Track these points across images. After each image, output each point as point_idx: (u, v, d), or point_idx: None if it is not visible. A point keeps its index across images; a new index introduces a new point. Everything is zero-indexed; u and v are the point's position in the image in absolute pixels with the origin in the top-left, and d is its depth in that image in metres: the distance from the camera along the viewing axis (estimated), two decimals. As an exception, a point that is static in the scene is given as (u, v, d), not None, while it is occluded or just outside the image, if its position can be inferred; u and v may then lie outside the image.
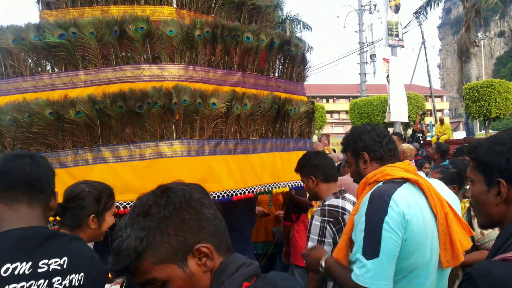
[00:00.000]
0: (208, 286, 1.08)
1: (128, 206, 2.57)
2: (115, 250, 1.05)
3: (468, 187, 3.56)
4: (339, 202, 2.67)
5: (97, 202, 2.10)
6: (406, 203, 1.85)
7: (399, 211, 1.82)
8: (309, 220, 2.67)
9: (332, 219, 2.57)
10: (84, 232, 2.07)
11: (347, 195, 2.76)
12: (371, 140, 2.18)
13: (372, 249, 1.82)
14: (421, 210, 1.88)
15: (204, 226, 1.09)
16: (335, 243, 2.48)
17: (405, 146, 6.35)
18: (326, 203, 2.68)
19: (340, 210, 2.62)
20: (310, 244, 2.56)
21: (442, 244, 1.91)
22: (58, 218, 2.14)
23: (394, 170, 2.04)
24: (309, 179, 2.77)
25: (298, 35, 24.94)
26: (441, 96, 52.53)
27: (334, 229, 2.56)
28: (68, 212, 2.07)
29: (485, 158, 1.38)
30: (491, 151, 1.37)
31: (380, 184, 2.00)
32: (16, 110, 2.64)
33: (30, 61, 2.84)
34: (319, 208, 2.67)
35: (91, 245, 2.87)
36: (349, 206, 2.68)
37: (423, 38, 22.41)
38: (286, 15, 24.38)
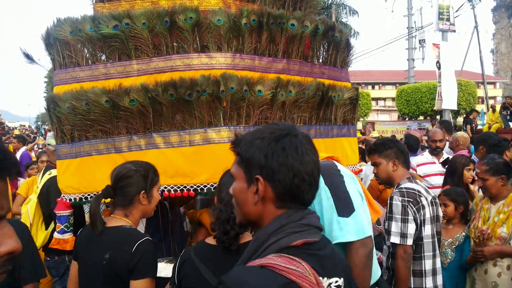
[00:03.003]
0: None
1: (178, 190, 2.69)
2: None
3: None
4: (414, 185, 2.92)
5: (145, 179, 2.22)
6: (344, 169, 2.22)
7: (348, 173, 2.19)
8: (388, 201, 2.90)
9: (411, 200, 2.81)
10: (136, 209, 2.20)
11: (417, 181, 3.02)
12: None
13: (347, 207, 2.02)
14: None
15: None
16: (416, 222, 2.79)
17: (459, 134, 6.02)
18: (402, 186, 2.92)
19: (417, 193, 2.87)
20: (394, 224, 2.80)
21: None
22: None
23: None
24: (391, 162, 2.98)
25: (344, 20, 24.45)
26: (494, 83, 50.13)
27: (414, 209, 2.80)
28: (118, 191, 2.19)
29: (245, 154, 1.28)
30: (251, 146, 1.27)
31: None
32: (74, 98, 2.78)
33: (86, 51, 2.96)
34: (397, 190, 2.91)
35: (142, 226, 3.03)
36: (422, 190, 2.92)
37: (475, 22, 21.42)
38: (332, 0, 23.94)
